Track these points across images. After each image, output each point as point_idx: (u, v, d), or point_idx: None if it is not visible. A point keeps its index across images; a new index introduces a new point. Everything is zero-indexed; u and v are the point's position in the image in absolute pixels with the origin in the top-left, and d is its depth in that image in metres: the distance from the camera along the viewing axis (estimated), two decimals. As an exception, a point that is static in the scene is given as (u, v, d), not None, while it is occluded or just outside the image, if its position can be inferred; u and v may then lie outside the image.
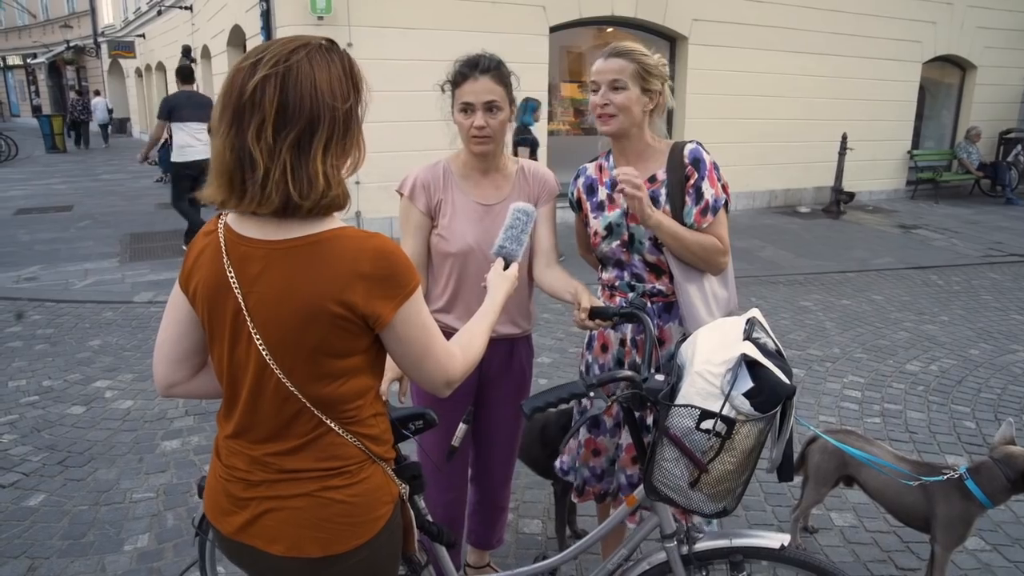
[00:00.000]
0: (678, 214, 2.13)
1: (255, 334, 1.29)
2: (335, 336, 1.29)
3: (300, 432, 1.35)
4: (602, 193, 2.27)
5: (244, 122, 1.22)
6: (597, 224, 2.26)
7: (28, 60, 33.68)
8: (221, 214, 1.37)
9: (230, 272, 1.30)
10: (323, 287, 1.26)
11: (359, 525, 1.37)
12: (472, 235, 2.14)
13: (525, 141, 7.54)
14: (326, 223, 1.30)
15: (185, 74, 8.06)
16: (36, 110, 31.22)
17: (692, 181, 2.13)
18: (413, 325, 1.34)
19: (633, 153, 2.21)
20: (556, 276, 2.23)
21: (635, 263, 2.23)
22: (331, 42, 1.31)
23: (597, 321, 2.08)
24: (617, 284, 2.29)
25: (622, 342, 2.30)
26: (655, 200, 2.15)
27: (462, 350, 1.47)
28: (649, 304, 2.22)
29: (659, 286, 2.23)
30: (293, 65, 1.23)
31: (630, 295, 2.25)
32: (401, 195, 2.19)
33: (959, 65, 13.63)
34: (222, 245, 1.32)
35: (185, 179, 7.49)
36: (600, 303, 2.16)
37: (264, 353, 1.30)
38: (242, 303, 1.29)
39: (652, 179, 2.18)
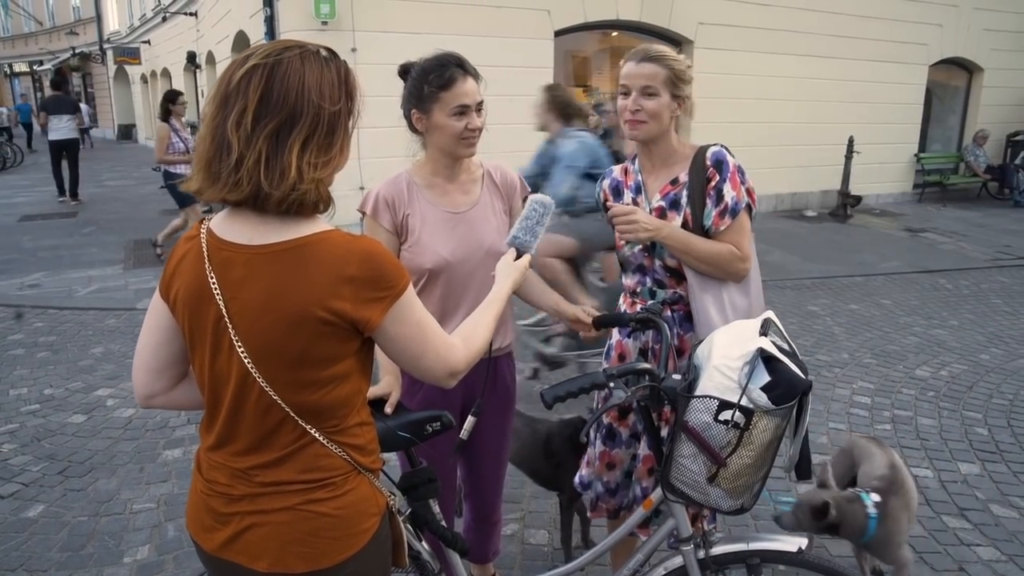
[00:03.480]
0: (698, 216, 2.09)
1: (237, 342, 1.26)
2: (322, 342, 1.26)
3: (283, 443, 1.31)
4: (628, 196, 2.24)
5: (227, 109, 1.21)
6: None
7: (34, 67, 33.82)
8: (203, 219, 1.34)
9: (212, 278, 1.26)
10: (309, 292, 1.23)
11: (345, 538, 1.34)
12: (445, 247, 2.06)
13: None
14: (310, 226, 1.27)
15: (57, 83, 12.84)
16: (42, 116, 31.33)
17: (713, 183, 2.09)
18: (405, 323, 1.31)
19: (659, 158, 2.19)
20: (530, 284, 2.19)
21: (656, 268, 2.20)
22: (331, 52, 1.30)
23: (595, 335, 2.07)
24: (639, 290, 2.26)
25: (642, 351, 2.27)
26: (677, 203, 2.12)
27: (464, 340, 1.44)
28: (670, 312, 2.19)
29: (680, 291, 2.19)
30: (284, 59, 1.22)
31: (649, 302, 2.22)
32: (363, 214, 2.10)
33: (966, 68, 13.57)
34: (204, 250, 1.28)
35: (55, 151, 11.95)
36: (595, 312, 2.15)
37: (246, 361, 1.26)
38: (224, 310, 1.25)
39: (674, 181, 2.15)
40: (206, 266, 1.27)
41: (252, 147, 1.20)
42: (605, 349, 2.41)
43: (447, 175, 2.11)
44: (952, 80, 13.75)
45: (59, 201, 12.02)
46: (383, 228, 2.07)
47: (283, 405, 1.28)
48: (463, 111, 1.99)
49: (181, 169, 7.62)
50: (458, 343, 1.42)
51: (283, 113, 1.21)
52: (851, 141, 10.90)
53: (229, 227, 1.28)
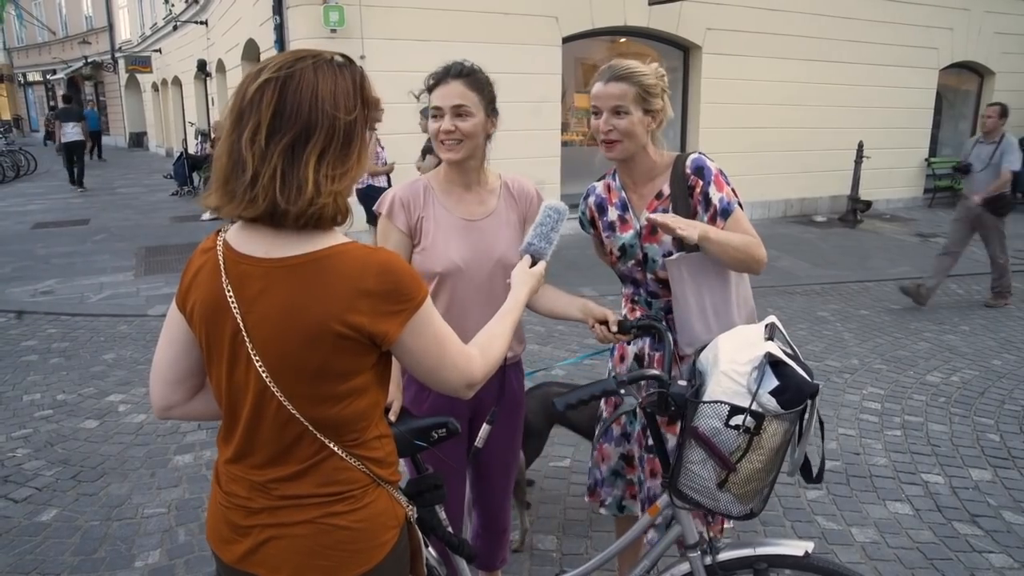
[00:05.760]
0: None
1: (254, 356, 1.25)
2: (339, 356, 1.25)
3: (302, 456, 1.30)
4: (612, 213, 2.24)
5: (242, 126, 1.20)
6: (611, 244, 2.24)
7: (47, 76, 34.14)
8: (219, 231, 1.33)
9: (228, 291, 1.25)
10: (327, 306, 1.21)
11: (365, 551, 1.33)
12: (457, 252, 2.06)
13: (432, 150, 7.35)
14: (327, 239, 1.26)
15: (67, 96, 17.40)
16: (55, 125, 31.62)
17: (698, 189, 2.08)
18: (423, 336, 1.30)
19: (639, 173, 2.18)
20: (554, 295, 2.18)
21: (648, 282, 2.21)
22: (347, 58, 1.28)
23: (617, 335, 2.06)
24: (636, 299, 2.29)
25: (637, 357, 2.29)
26: None
27: (481, 351, 1.43)
28: (664, 322, 2.19)
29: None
30: (296, 72, 1.21)
31: (650, 311, 2.23)
32: (379, 215, 2.12)
33: (976, 71, 13.52)
34: (220, 263, 1.28)
35: (67, 151, 15.10)
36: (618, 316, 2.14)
37: (264, 375, 1.25)
38: (241, 323, 1.24)
39: (659, 196, 2.15)
40: (223, 279, 1.26)
41: (267, 163, 1.18)
42: (611, 348, 2.42)
43: (462, 182, 2.12)
44: (963, 84, 13.70)
45: (70, 190, 14.82)
46: (397, 229, 2.08)
47: (301, 419, 1.27)
48: (436, 114, 2.01)
49: (382, 182, 7.19)
50: (475, 354, 1.41)
51: (297, 127, 1.19)
52: (861, 146, 10.87)
53: (246, 240, 1.27)
